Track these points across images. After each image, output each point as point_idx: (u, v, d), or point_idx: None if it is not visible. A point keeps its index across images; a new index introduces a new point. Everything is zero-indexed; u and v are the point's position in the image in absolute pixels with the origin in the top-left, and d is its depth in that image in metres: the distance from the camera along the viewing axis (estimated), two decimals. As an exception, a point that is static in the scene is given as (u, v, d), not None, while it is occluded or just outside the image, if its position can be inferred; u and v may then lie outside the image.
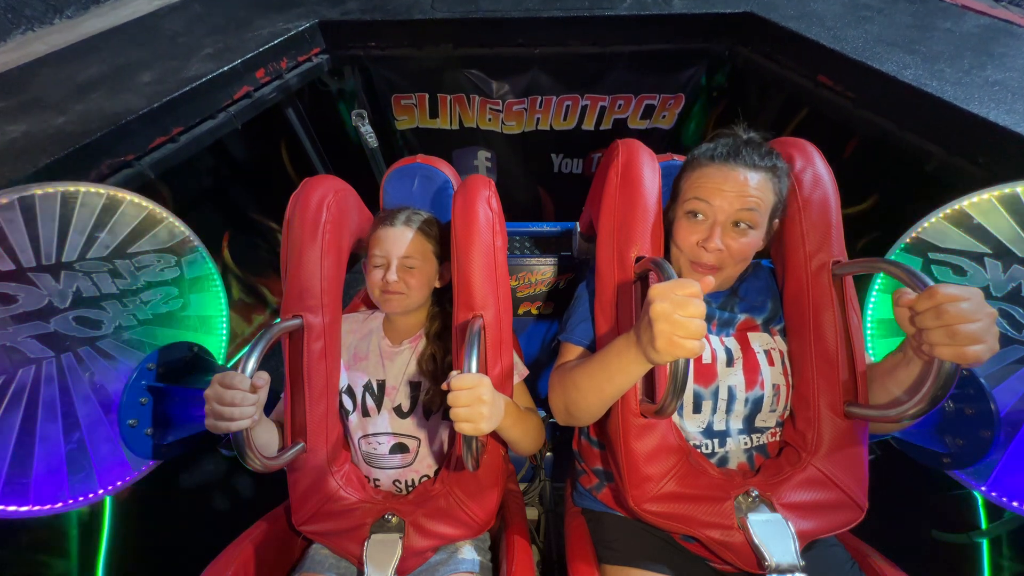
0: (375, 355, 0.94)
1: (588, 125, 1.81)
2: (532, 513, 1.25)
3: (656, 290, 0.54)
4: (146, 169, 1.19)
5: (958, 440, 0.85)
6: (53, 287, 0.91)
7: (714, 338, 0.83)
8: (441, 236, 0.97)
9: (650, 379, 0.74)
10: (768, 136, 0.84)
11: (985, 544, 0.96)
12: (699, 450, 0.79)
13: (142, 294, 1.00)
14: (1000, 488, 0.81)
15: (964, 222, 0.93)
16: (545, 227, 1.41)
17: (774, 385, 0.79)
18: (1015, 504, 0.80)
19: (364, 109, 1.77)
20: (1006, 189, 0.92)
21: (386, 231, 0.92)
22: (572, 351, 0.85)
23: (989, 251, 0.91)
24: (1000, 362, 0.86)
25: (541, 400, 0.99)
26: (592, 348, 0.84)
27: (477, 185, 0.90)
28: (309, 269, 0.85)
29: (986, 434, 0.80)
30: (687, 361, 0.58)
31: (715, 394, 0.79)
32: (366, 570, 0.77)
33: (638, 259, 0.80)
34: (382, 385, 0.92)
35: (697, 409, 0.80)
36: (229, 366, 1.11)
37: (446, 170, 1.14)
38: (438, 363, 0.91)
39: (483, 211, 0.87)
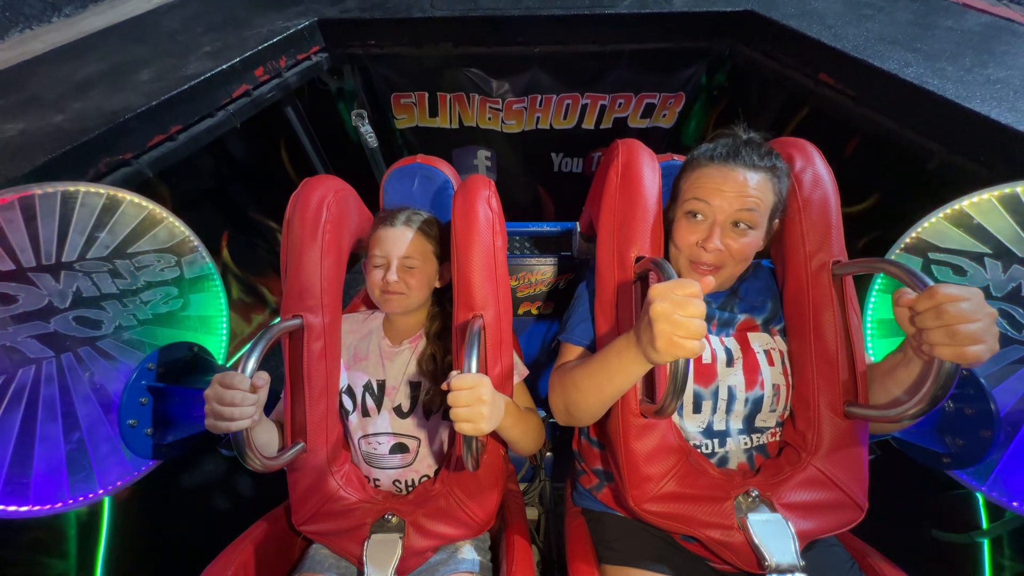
0: (375, 355, 0.94)
1: (588, 124, 1.81)
2: (532, 513, 1.26)
3: (656, 290, 0.54)
4: (144, 167, 1.18)
5: (958, 440, 0.85)
6: (53, 287, 0.91)
7: (714, 338, 0.83)
8: (441, 236, 0.97)
9: (650, 379, 0.74)
10: (768, 136, 0.84)
11: (986, 544, 0.96)
12: (699, 450, 0.79)
13: (142, 294, 1.00)
14: (1000, 488, 0.81)
15: (964, 222, 0.93)
16: (545, 227, 1.41)
17: (774, 385, 0.79)
18: (1015, 504, 0.80)
19: (363, 108, 1.77)
20: (1006, 189, 0.92)
21: (386, 231, 0.92)
22: (572, 351, 0.85)
23: (989, 251, 0.91)
24: (1000, 362, 0.86)
25: (541, 400, 0.99)
26: (592, 348, 0.84)
27: (477, 185, 0.90)
28: (309, 269, 0.84)
29: (986, 434, 0.81)
30: (687, 361, 0.58)
31: (715, 394, 0.79)
32: (366, 570, 0.77)
33: (638, 259, 0.80)
34: (382, 385, 0.92)
35: (697, 409, 0.80)
36: (229, 366, 1.11)
37: (446, 170, 1.13)
38: (438, 363, 0.91)
39: (483, 211, 0.87)
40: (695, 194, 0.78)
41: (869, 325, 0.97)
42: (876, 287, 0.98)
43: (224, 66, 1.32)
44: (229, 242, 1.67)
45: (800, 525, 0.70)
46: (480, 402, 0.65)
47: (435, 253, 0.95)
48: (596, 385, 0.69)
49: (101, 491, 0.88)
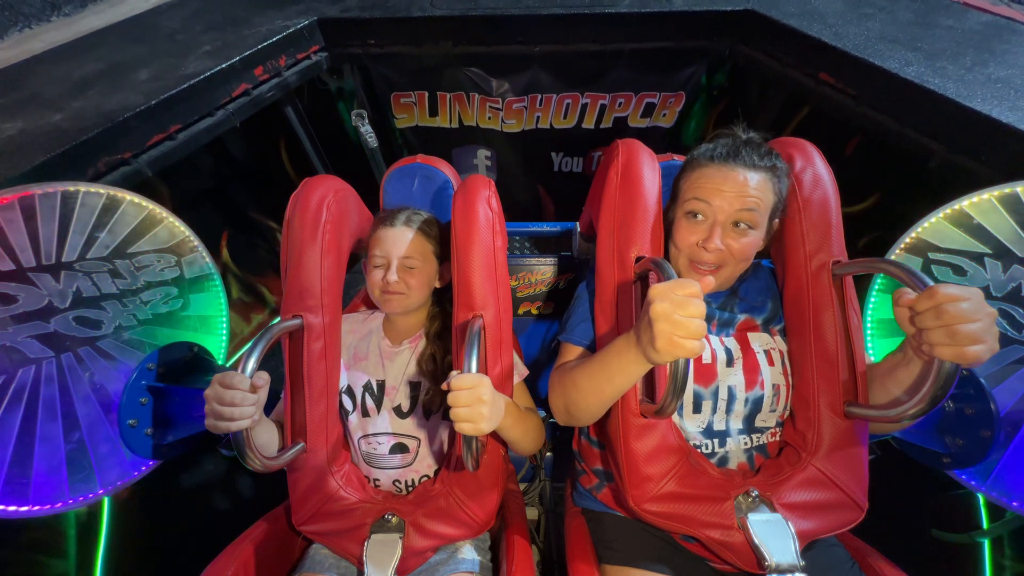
0: (375, 355, 0.94)
1: (588, 123, 1.81)
2: (532, 513, 1.26)
3: (656, 290, 0.54)
4: (144, 167, 1.18)
5: (958, 440, 0.85)
6: (53, 287, 0.91)
7: (714, 338, 0.83)
8: (441, 236, 0.97)
9: (650, 379, 0.74)
10: (768, 136, 0.84)
11: (987, 544, 0.96)
12: (699, 450, 0.79)
13: (142, 294, 1.00)
14: (1000, 488, 0.81)
15: (964, 222, 0.93)
16: (545, 227, 1.41)
17: (774, 385, 0.79)
18: (1015, 504, 0.80)
19: (363, 108, 1.77)
20: (1006, 189, 0.92)
21: (386, 231, 0.92)
22: (572, 351, 0.85)
23: (989, 251, 0.90)
24: (1000, 362, 0.86)
25: (541, 400, 0.99)
26: (592, 348, 0.84)
27: (477, 185, 0.90)
28: (309, 269, 0.84)
29: (986, 434, 0.81)
30: (687, 361, 0.58)
31: (715, 394, 0.79)
32: (366, 570, 0.77)
33: (638, 259, 0.80)
34: (382, 385, 0.92)
35: (697, 409, 0.80)
36: (228, 366, 1.11)
37: (446, 170, 1.13)
38: (438, 363, 0.91)
39: (483, 211, 0.87)
40: (695, 194, 0.78)
41: (869, 325, 0.97)
42: (876, 287, 0.98)
43: (223, 65, 1.31)
44: (229, 242, 1.67)
45: (800, 525, 0.71)
46: (480, 402, 0.65)
47: (435, 253, 0.95)
48: (596, 385, 0.69)
49: (101, 491, 0.88)
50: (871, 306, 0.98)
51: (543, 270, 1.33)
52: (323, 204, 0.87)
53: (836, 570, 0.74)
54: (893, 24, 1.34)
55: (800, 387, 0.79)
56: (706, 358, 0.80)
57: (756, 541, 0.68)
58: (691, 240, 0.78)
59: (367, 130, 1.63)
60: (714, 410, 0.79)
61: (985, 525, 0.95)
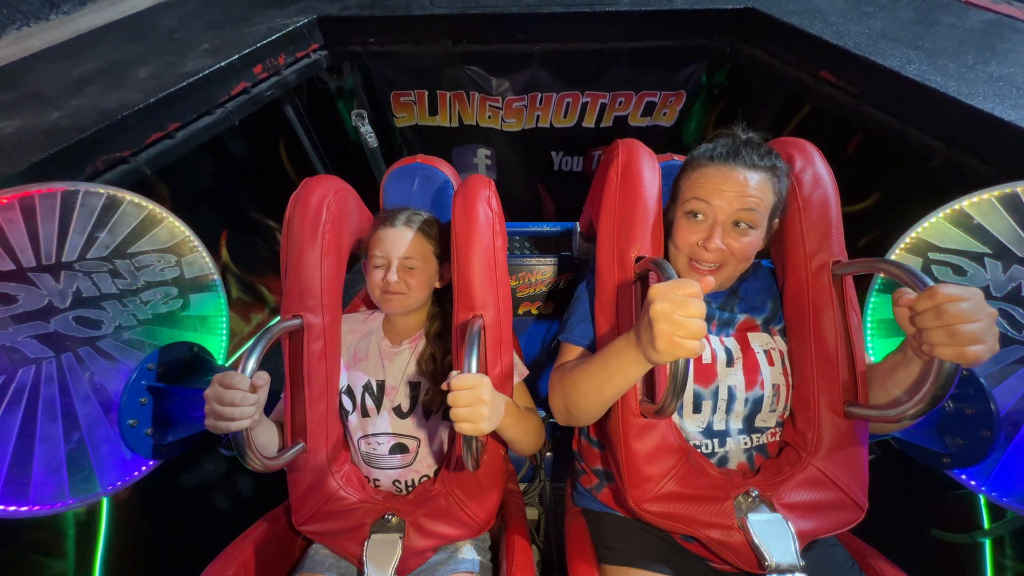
0: (375, 355, 0.94)
1: (588, 122, 1.80)
2: (532, 513, 1.26)
3: (656, 290, 0.54)
4: (142, 165, 1.18)
5: (958, 440, 0.85)
6: (53, 287, 0.91)
7: (714, 338, 0.83)
8: (441, 236, 0.97)
9: (650, 379, 0.74)
10: (767, 136, 0.83)
11: (987, 544, 0.96)
12: (699, 450, 0.79)
13: (142, 294, 1.00)
14: (1000, 488, 0.81)
15: (964, 222, 0.93)
16: (545, 227, 1.41)
17: (774, 385, 0.79)
18: (1015, 504, 0.80)
19: (363, 106, 1.76)
20: (1006, 189, 0.92)
21: (386, 231, 0.92)
22: (572, 351, 0.85)
23: (989, 251, 0.90)
24: (1000, 362, 0.86)
25: (541, 400, 0.99)
26: (592, 348, 0.84)
27: (477, 185, 0.90)
28: (309, 269, 0.84)
29: (986, 434, 0.81)
30: (687, 361, 0.58)
31: (715, 394, 0.79)
32: (366, 570, 0.77)
33: (638, 259, 0.80)
34: (381, 385, 0.92)
35: (697, 409, 0.80)
36: (228, 366, 1.11)
37: (446, 170, 1.13)
38: (438, 363, 0.91)
39: (483, 211, 0.87)
40: (695, 194, 0.78)
41: (869, 325, 0.97)
42: (876, 287, 0.98)
43: (223, 63, 1.31)
44: (228, 241, 1.66)
45: (800, 525, 0.71)
46: (480, 402, 0.65)
47: (435, 253, 0.95)
48: (596, 385, 0.69)
49: (101, 491, 0.88)
50: (871, 306, 0.98)
51: (543, 270, 1.32)
52: (323, 204, 0.86)
53: (836, 570, 0.74)
54: (894, 22, 1.34)
55: (800, 387, 0.79)
56: (706, 358, 0.80)
57: (756, 541, 0.69)
58: (691, 240, 0.78)
59: (367, 130, 1.63)
60: (714, 410, 0.79)
61: (986, 525, 0.95)
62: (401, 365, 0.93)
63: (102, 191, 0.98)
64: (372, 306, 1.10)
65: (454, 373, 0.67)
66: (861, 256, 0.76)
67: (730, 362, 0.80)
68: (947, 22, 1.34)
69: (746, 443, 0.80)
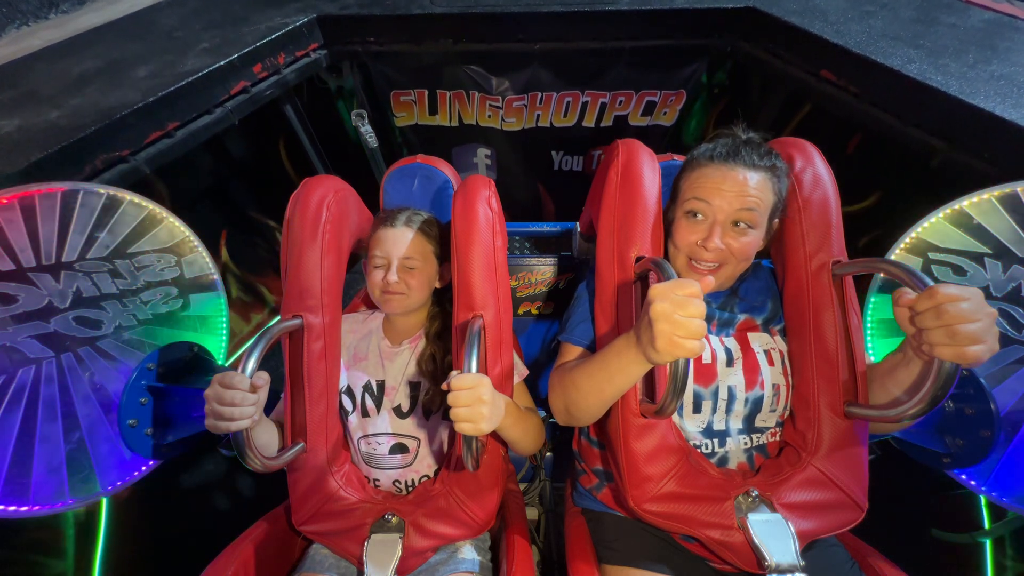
0: (375, 355, 0.94)
1: (588, 122, 1.80)
2: (532, 513, 1.26)
3: (656, 290, 0.54)
4: (141, 164, 1.18)
5: (958, 440, 0.85)
6: (53, 287, 0.91)
7: (714, 338, 0.83)
8: (441, 236, 0.97)
9: (650, 379, 0.74)
10: (767, 136, 0.83)
11: (988, 544, 0.96)
12: (699, 450, 0.79)
13: (142, 294, 1.00)
14: (1000, 488, 0.81)
15: (964, 222, 0.93)
16: (545, 227, 1.41)
17: (774, 385, 0.79)
18: (1015, 504, 0.80)
19: (363, 106, 1.76)
20: (1006, 189, 0.92)
21: (386, 232, 0.92)
22: (572, 351, 0.85)
23: (989, 251, 0.90)
24: (1000, 362, 0.86)
25: (541, 400, 0.99)
26: (592, 348, 0.84)
27: (477, 185, 0.90)
28: (309, 269, 0.84)
29: (986, 434, 0.81)
30: (687, 361, 0.57)
31: (715, 394, 0.79)
32: (366, 570, 0.77)
33: (638, 259, 0.80)
34: (381, 385, 0.92)
35: (697, 409, 0.80)
36: (228, 366, 1.11)
37: (446, 170, 1.13)
38: (438, 363, 0.91)
39: (483, 211, 0.87)
40: (695, 194, 0.78)
41: (869, 325, 0.97)
42: (876, 287, 0.98)
43: (222, 62, 1.31)
44: (228, 241, 1.66)
45: (800, 525, 0.71)
46: (480, 402, 0.65)
47: (435, 253, 0.95)
48: (596, 385, 0.69)
49: (101, 491, 0.88)
50: (871, 306, 0.98)
51: (543, 270, 1.32)
52: (323, 204, 0.86)
53: (836, 570, 0.74)
54: (895, 21, 1.34)
55: (800, 387, 0.79)
56: (706, 358, 0.80)
57: (756, 541, 0.69)
58: (691, 239, 0.78)
59: (367, 130, 1.63)
60: (714, 410, 0.79)
61: (987, 525, 0.95)
62: (401, 365, 0.93)
63: (102, 191, 0.97)
64: (372, 306, 1.10)
65: (454, 373, 0.67)
66: (861, 256, 0.76)
67: (730, 362, 0.80)
68: (948, 21, 1.34)
69: (746, 443, 0.80)
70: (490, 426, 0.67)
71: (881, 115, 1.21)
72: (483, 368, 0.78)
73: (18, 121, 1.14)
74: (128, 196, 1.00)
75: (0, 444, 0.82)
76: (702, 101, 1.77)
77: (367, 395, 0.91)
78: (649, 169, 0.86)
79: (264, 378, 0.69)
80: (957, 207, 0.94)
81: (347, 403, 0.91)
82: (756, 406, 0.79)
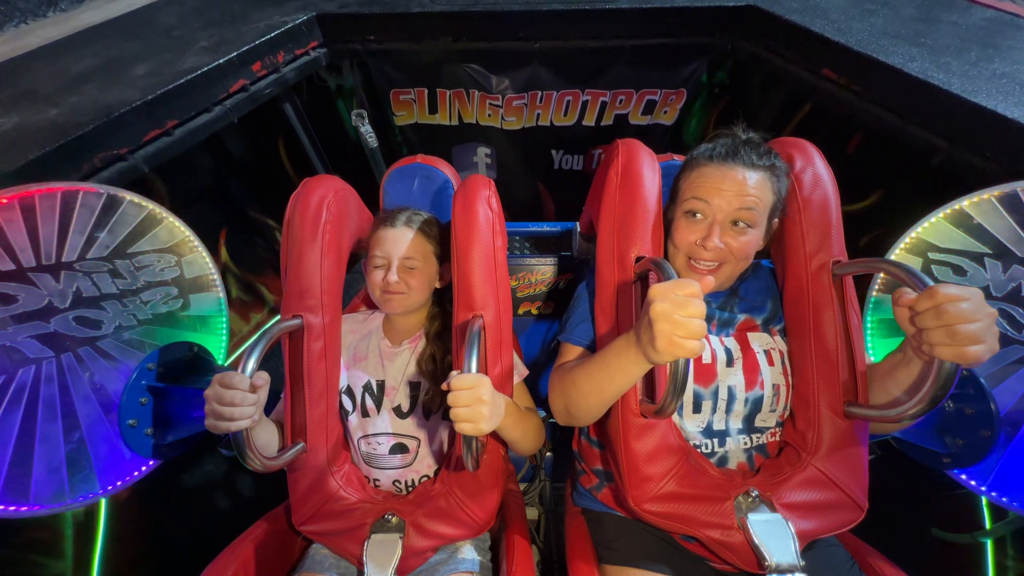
0: (375, 355, 0.94)
1: (589, 121, 1.80)
2: (532, 513, 1.26)
3: (656, 290, 0.54)
4: (140, 163, 1.17)
5: (958, 440, 0.85)
6: (53, 287, 0.91)
7: (714, 338, 0.83)
8: (441, 236, 0.97)
9: (650, 379, 0.74)
10: (767, 136, 0.83)
11: (989, 544, 0.96)
12: (699, 450, 0.79)
13: (142, 294, 1.00)
14: (1000, 488, 0.81)
15: (964, 222, 0.93)
16: (545, 227, 1.40)
17: (774, 385, 0.79)
18: (1015, 504, 0.80)
19: (362, 104, 1.75)
20: (1006, 189, 0.91)
21: (387, 232, 0.92)
22: (572, 351, 0.85)
23: (989, 251, 0.90)
24: (1000, 362, 0.86)
25: (541, 400, 0.99)
26: (592, 348, 0.84)
27: (477, 185, 0.90)
28: (309, 269, 0.84)
29: (986, 434, 0.81)
30: (687, 361, 0.57)
31: (715, 394, 0.79)
32: (366, 570, 0.77)
33: (638, 259, 0.80)
34: (381, 385, 0.92)
35: (697, 409, 0.80)
36: (228, 366, 1.11)
37: (446, 170, 1.13)
38: (438, 363, 0.91)
39: (483, 211, 0.87)
40: (694, 193, 0.78)
41: (869, 325, 0.97)
42: (876, 287, 0.98)
43: (221, 61, 1.30)
44: (227, 240, 1.66)
45: (800, 525, 0.71)
46: (480, 402, 0.65)
47: (435, 253, 0.95)
48: (596, 385, 0.69)
49: (101, 491, 0.89)
50: (871, 306, 0.98)
51: (543, 270, 1.32)
52: (323, 204, 0.86)
53: (836, 570, 0.74)
54: (896, 20, 1.33)
55: (800, 387, 0.79)
56: (706, 358, 0.80)
57: (756, 541, 0.69)
58: (690, 239, 0.78)
59: (367, 130, 1.62)
60: (714, 410, 0.79)
61: (988, 525, 0.95)
62: (401, 365, 0.92)
63: (102, 191, 0.97)
64: (372, 306, 1.09)
65: (454, 373, 0.67)
66: (861, 256, 0.76)
67: (730, 362, 0.80)
68: (949, 19, 1.34)
69: (746, 443, 0.80)
70: (490, 426, 0.67)
71: (882, 114, 1.21)
72: (483, 368, 0.78)
73: (16, 119, 1.13)
74: (128, 196, 1.00)
75: (0, 444, 0.82)
76: (703, 100, 1.76)
77: (367, 395, 0.91)
78: (649, 169, 0.86)
79: (264, 378, 0.69)
80: (957, 207, 0.94)
81: (347, 403, 0.91)
82: (756, 406, 0.79)
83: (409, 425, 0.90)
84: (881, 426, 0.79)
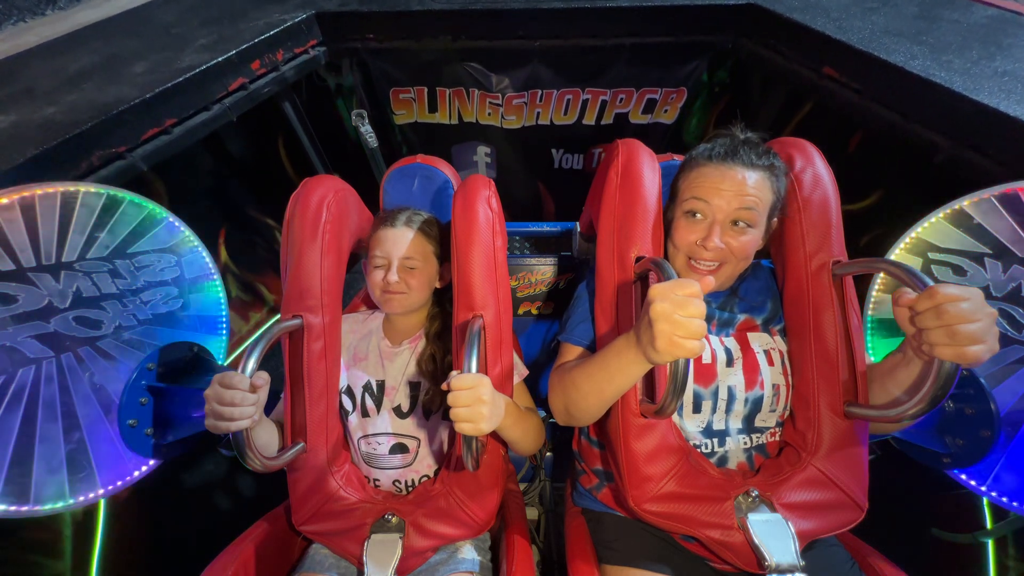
0: (375, 355, 0.94)
1: (589, 120, 1.79)
2: (532, 513, 1.26)
3: (656, 290, 0.54)
4: (138, 161, 1.17)
5: (958, 440, 0.85)
6: (53, 287, 0.91)
7: (714, 338, 0.83)
8: (441, 236, 0.97)
9: (650, 379, 0.74)
10: (766, 136, 0.83)
11: (990, 544, 0.96)
12: (699, 450, 0.79)
13: (142, 294, 0.99)
14: (1000, 488, 0.81)
15: (964, 222, 0.93)
16: (545, 227, 1.40)
17: (774, 385, 0.79)
18: (1015, 504, 0.80)
19: (362, 103, 1.75)
20: (1006, 189, 0.91)
21: (387, 232, 0.91)
22: (572, 351, 0.85)
23: (989, 251, 0.90)
24: (1000, 362, 0.86)
25: (541, 400, 0.99)
26: (592, 348, 0.84)
27: (477, 185, 0.90)
28: (309, 269, 0.84)
29: (986, 434, 0.81)
30: (687, 361, 0.57)
31: (715, 394, 0.79)
32: (366, 570, 0.77)
33: (638, 259, 0.80)
34: (381, 385, 0.92)
35: (697, 409, 0.80)
36: (228, 365, 1.11)
37: (446, 170, 1.13)
38: (438, 363, 0.91)
39: (483, 211, 0.87)
40: (694, 193, 0.78)
41: (869, 325, 0.97)
42: (876, 287, 0.98)
43: (220, 59, 1.30)
44: (227, 239, 1.66)
45: (800, 525, 0.71)
46: (480, 402, 0.65)
47: (435, 253, 0.95)
48: (596, 385, 0.69)
49: (101, 491, 0.89)
50: (871, 306, 0.98)
51: (543, 270, 1.32)
52: (323, 204, 0.86)
53: (836, 570, 0.74)
54: (898, 18, 1.33)
55: (800, 387, 0.79)
56: (706, 358, 0.80)
57: (756, 541, 0.69)
58: (690, 239, 0.78)
59: (367, 130, 1.62)
60: (714, 410, 0.79)
61: (989, 525, 0.95)
62: (401, 365, 0.92)
63: (102, 191, 0.97)
64: (372, 306, 1.09)
65: (454, 373, 0.67)
66: (862, 256, 0.76)
67: (730, 362, 0.80)
68: (951, 17, 1.33)
69: (746, 443, 0.80)
70: (490, 426, 0.67)
71: (883, 112, 1.20)
72: (483, 368, 0.78)
73: (14, 117, 1.13)
74: (128, 196, 1.00)
75: (0, 444, 0.82)
76: (703, 99, 1.76)
77: (367, 395, 0.91)
78: (649, 169, 0.86)
79: (264, 378, 0.69)
80: (957, 207, 0.93)
81: (347, 403, 0.91)
82: (756, 406, 0.79)
83: (409, 425, 0.90)
84: (881, 426, 0.79)
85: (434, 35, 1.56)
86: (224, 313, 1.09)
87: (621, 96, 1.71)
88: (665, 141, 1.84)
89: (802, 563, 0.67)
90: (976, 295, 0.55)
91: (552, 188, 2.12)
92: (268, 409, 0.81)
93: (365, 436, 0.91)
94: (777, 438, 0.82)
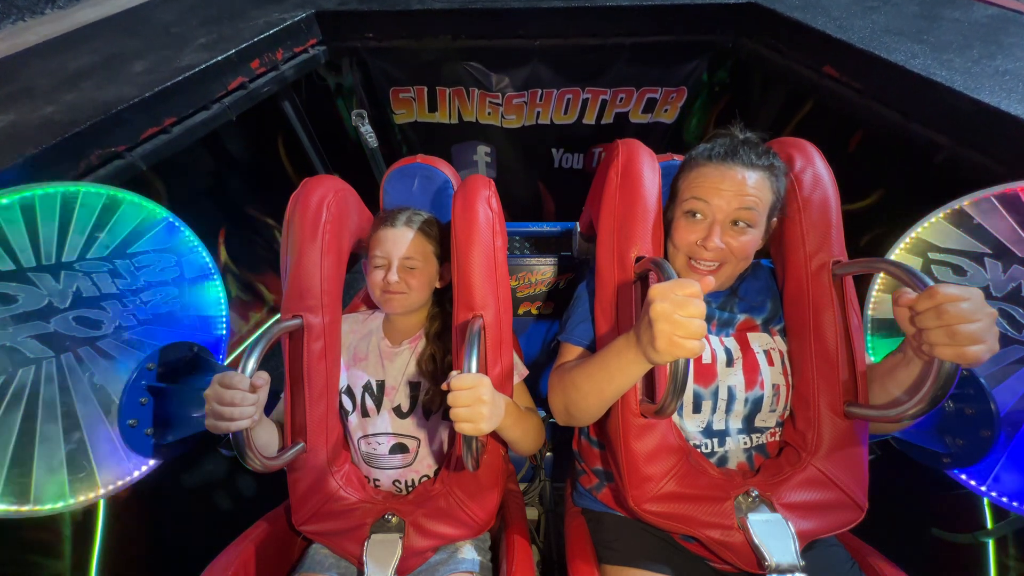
0: (375, 355, 0.94)
1: (589, 119, 1.79)
2: (532, 513, 1.26)
3: (656, 290, 0.54)
4: (137, 160, 1.17)
5: (958, 440, 0.85)
6: (53, 287, 0.90)
7: (714, 338, 0.83)
8: (441, 236, 0.97)
9: (650, 379, 0.74)
10: (766, 136, 0.83)
11: (991, 544, 0.96)
12: (699, 450, 0.79)
13: (142, 294, 0.99)
14: (1000, 488, 0.81)
15: (964, 222, 0.93)
16: (545, 227, 1.40)
17: (774, 385, 0.79)
18: (1015, 504, 0.80)
19: (362, 102, 1.75)
20: (1006, 189, 0.91)
21: (387, 232, 0.91)
22: (572, 351, 0.85)
23: (989, 251, 0.90)
24: (1000, 362, 0.86)
25: (541, 400, 0.99)
26: (592, 348, 0.84)
27: (477, 185, 0.90)
28: (309, 269, 0.84)
29: (986, 434, 0.81)
30: (687, 361, 0.57)
31: (715, 394, 0.79)
32: (366, 570, 0.77)
33: (638, 259, 0.80)
34: (381, 385, 0.92)
35: (697, 409, 0.80)
36: (228, 365, 1.11)
37: (446, 170, 1.13)
38: (438, 363, 0.91)
39: (483, 211, 0.87)
40: (694, 193, 0.78)
41: (869, 325, 0.97)
42: (876, 287, 0.98)
43: (219, 58, 1.30)
44: (226, 239, 1.66)
45: (800, 525, 0.71)
46: (480, 402, 0.65)
47: (435, 253, 0.95)
48: (596, 385, 0.69)
49: (101, 491, 0.89)
50: (871, 306, 0.97)
51: (543, 270, 1.32)
52: (323, 204, 0.86)
53: (836, 570, 0.75)
54: (898, 17, 1.33)
55: (800, 387, 0.79)
56: (706, 358, 0.80)
57: (756, 541, 0.69)
58: (690, 239, 0.78)
59: (367, 130, 1.62)
60: (714, 410, 0.79)
61: (989, 525, 0.95)
62: (401, 365, 0.92)
63: (102, 191, 0.97)
64: (372, 306, 1.09)
65: (454, 373, 0.67)
66: (862, 255, 0.76)
67: (730, 362, 0.80)
68: (952, 16, 1.33)
69: (746, 443, 0.80)
70: (490, 426, 0.67)
71: (884, 111, 1.20)
72: (483, 368, 0.78)
73: (13, 116, 1.13)
74: (128, 196, 0.99)
75: (0, 444, 0.82)
76: (703, 99, 1.76)
77: (367, 395, 0.91)
78: (649, 169, 0.86)
79: (264, 378, 0.69)
80: (957, 207, 0.93)
81: (347, 403, 0.91)
82: (756, 406, 0.79)
83: (409, 425, 0.90)
84: (881, 426, 0.79)
85: (434, 34, 1.56)
86: (224, 313, 1.09)
87: (621, 95, 1.71)
88: (665, 141, 1.83)
89: (802, 563, 0.67)
90: (976, 295, 0.55)
91: (552, 188, 2.12)
92: (268, 409, 0.81)
93: (365, 436, 0.91)
94: (777, 438, 0.82)
